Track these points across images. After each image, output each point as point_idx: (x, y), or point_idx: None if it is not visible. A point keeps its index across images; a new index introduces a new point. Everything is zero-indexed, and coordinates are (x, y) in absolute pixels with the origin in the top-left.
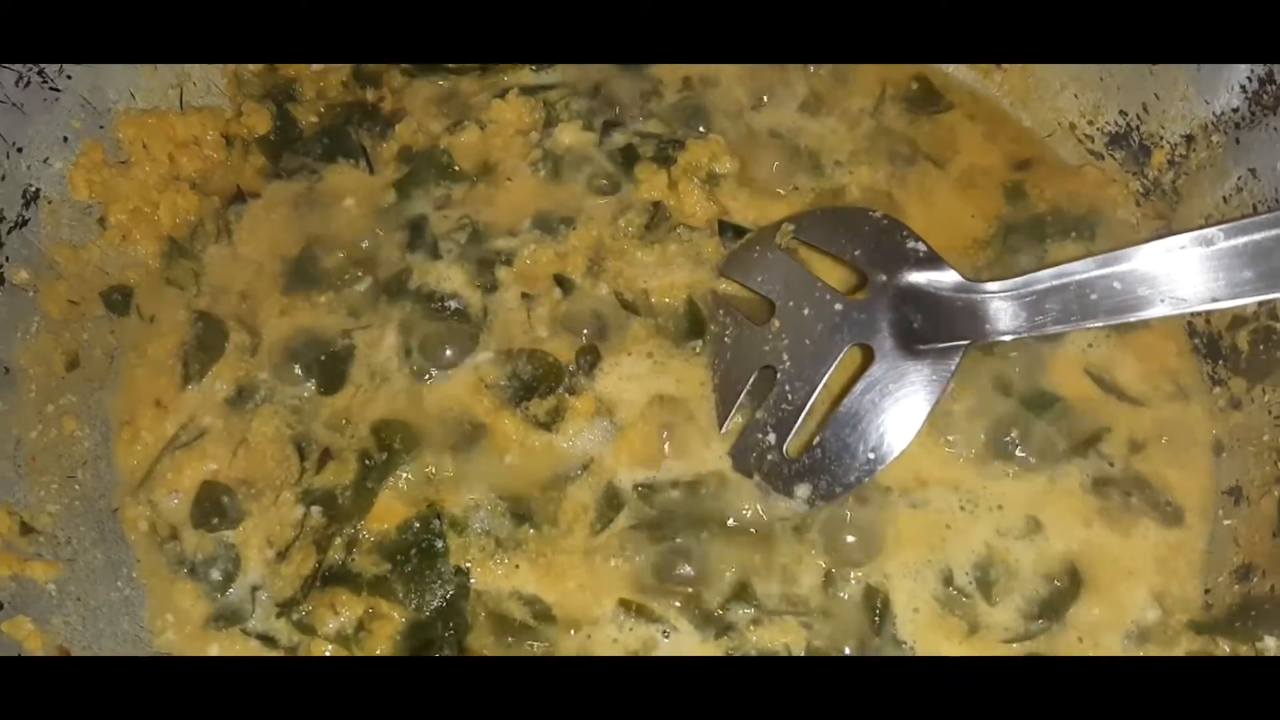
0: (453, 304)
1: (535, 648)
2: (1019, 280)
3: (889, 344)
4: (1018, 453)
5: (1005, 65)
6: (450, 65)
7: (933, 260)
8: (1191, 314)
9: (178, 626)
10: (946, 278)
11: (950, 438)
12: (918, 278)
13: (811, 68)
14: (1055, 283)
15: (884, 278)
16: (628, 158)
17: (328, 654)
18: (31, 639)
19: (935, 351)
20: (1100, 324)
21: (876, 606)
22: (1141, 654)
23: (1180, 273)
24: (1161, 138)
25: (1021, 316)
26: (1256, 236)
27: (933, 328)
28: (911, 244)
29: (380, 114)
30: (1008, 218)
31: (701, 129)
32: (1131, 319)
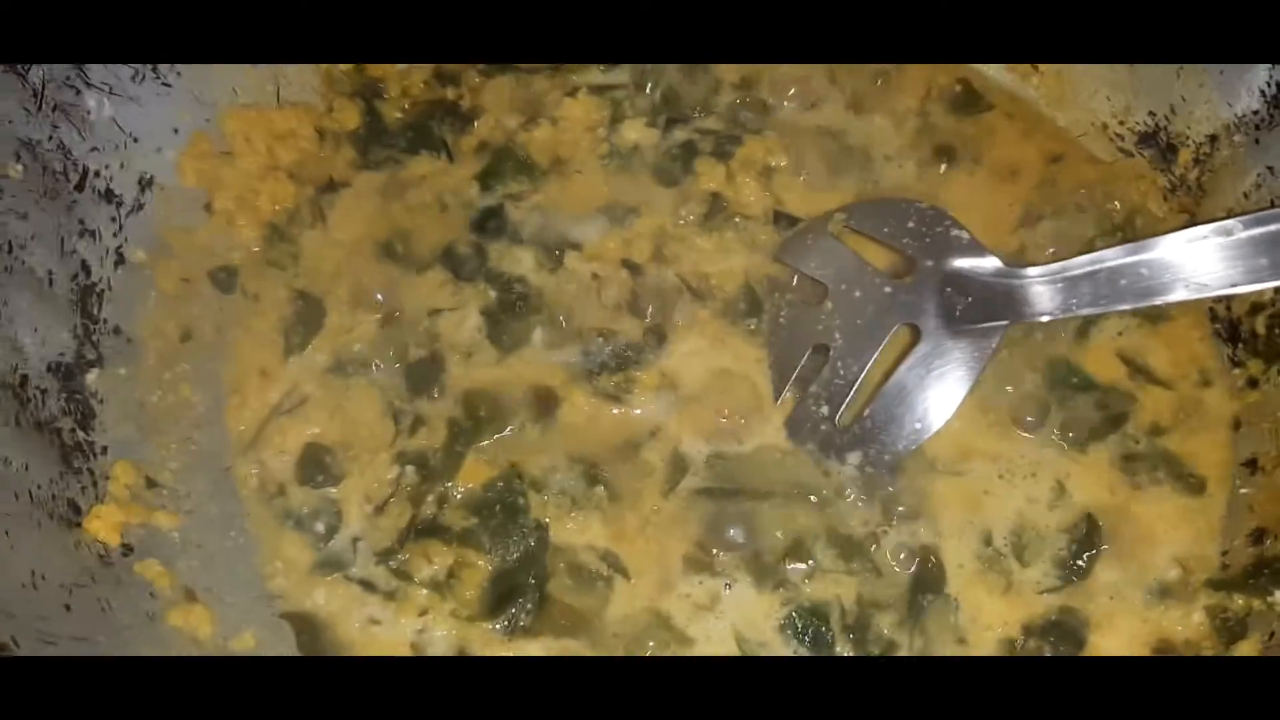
0: (529, 286)
1: (611, 595)
2: (1055, 266)
3: (934, 324)
4: (1052, 428)
5: (1042, 69)
6: (523, 66)
7: (975, 247)
8: (1213, 299)
9: (286, 573)
10: (988, 263)
11: (990, 413)
12: (961, 263)
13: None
14: (1088, 268)
15: (930, 263)
16: (688, 152)
17: (423, 596)
18: (161, 579)
19: (977, 331)
20: (1129, 307)
21: (928, 562)
22: (1163, 609)
23: (1202, 260)
24: (1187, 137)
25: (1057, 299)
26: (1273, 228)
27: (975, 309)
28: (955, 232)
29: (460, 111)
30: (1043, 208)
31: (757, 126)
32: (1157, 302)
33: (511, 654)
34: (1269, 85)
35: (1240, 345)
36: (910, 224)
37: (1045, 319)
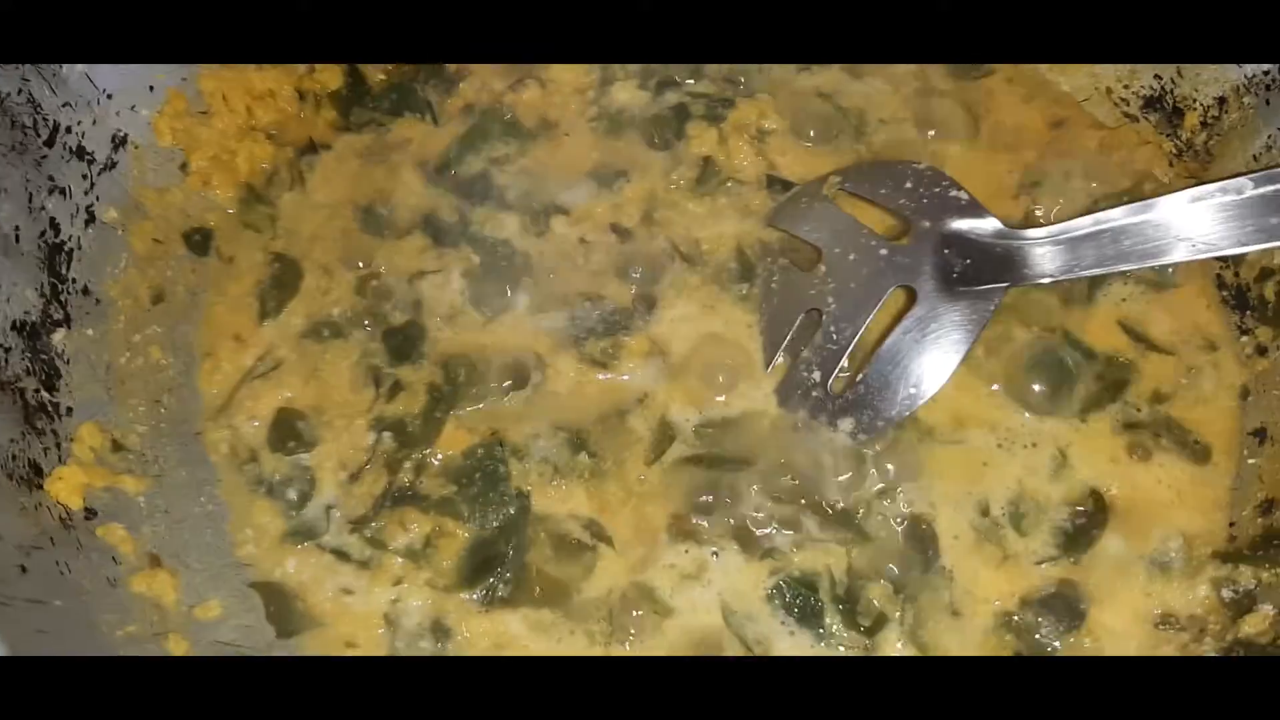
0: (513, 250)
1: (594, 566)
2: (1057, 227)
3: (931, 286)
4: (1052, 396)
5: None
6: None
7: (974, 208)
8: (1220, 265)
9: (257, 540)
10: (987, 225)
11: (988, 381)
12: (960, 224)
13: None
14: (1092, 229)
15: (927, 224)
16: (680, 115)
17: (398, 565)
18: (124, 544)
19: (975, 294)
20: (1133, 268)
21: (922, 533)
22: (1166, 581)
23: (1211, 219)
24: (1194, 100)
25: (1059, 261)
26: None
27: (974, 271)
28: (954, 193)
29: (445, 72)
30: (1044, 174)
31: (750, 89)
32: (1163, 263)
33: (489, 625)
34: None
35: (1249, 312)
36: (907, 185)
37: (1046, 281)
